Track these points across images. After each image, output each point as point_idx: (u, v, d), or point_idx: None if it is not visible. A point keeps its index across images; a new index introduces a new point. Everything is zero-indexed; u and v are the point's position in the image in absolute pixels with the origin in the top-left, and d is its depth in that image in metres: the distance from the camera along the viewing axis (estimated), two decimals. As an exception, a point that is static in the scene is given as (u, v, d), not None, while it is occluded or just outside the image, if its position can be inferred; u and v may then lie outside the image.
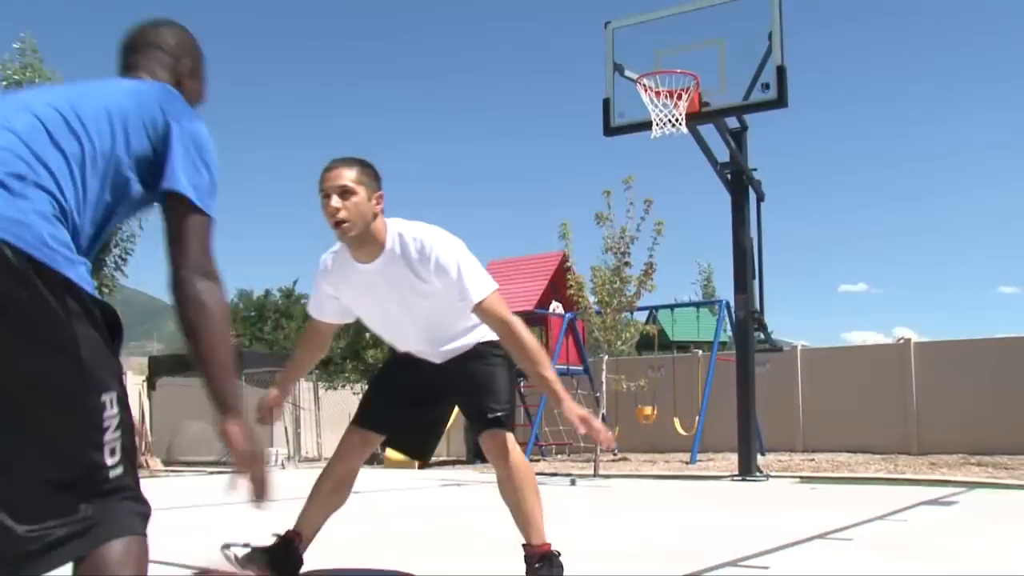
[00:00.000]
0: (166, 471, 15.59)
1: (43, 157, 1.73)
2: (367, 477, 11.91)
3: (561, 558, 3.46)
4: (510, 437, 3.51)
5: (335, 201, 3.26)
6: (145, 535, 1.75)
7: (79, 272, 1.68)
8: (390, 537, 5.34)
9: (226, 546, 3.55)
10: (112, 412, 1.70)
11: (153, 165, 1.89)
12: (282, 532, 3.64)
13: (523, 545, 3.45)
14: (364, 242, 3.34)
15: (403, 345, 3.67)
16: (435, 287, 3.35)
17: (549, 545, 3.45)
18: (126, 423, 1.74)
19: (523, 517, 3.47)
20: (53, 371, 1.64)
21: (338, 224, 3.27)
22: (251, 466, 1.94)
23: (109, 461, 1.69)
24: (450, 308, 3.42)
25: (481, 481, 10.45)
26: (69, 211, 1.75)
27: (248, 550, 3.54)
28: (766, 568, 4.03)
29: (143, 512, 1.76)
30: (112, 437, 1.70)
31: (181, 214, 1.87)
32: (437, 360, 3.62)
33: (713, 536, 5.29)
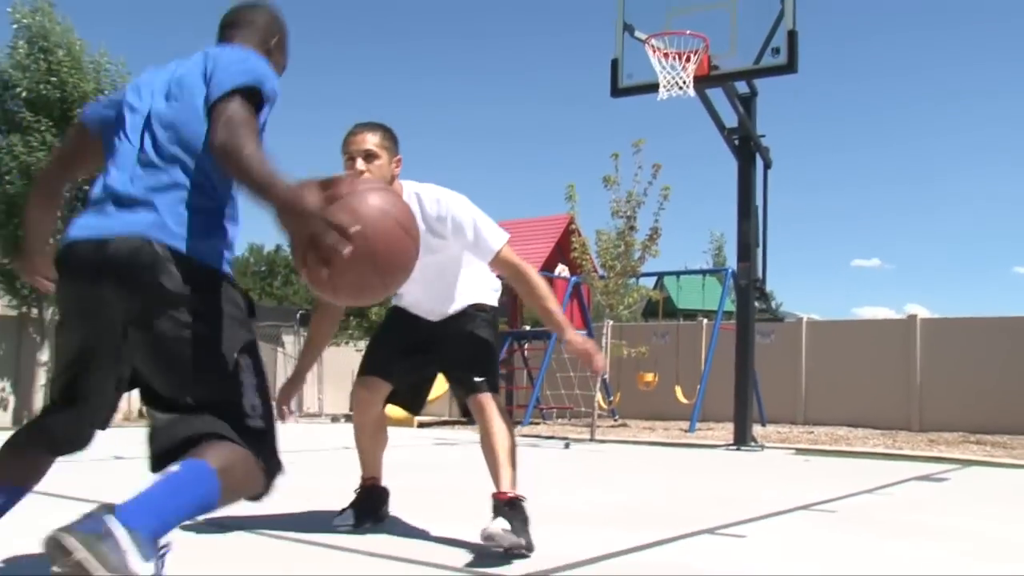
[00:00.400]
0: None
1: None
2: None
3: (527, 508, 3.49)
4: (493, 399, 3.68)
5: (360, 164, 3.44)
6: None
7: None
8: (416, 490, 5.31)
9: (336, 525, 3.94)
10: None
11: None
12: (360, 483, 4.05)
13: (492, 494, 3.50)
14: None
15: (408, 299, 3.88)
16: (448, 244, 3.58)
17: (518, 495, 3.50)
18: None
19: (495, 471, 3.55)
20: None
21: None
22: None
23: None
24: (453, 267, 3.74)
25: (474, 442, 10.45)
26: None
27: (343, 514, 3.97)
28: (742, 536, 3.98)
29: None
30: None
31: (222, 108, 2.25)
32: (434, 319, 3.85)
33: (695, 503, 5.24)
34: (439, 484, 6.02)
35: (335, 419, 17.25)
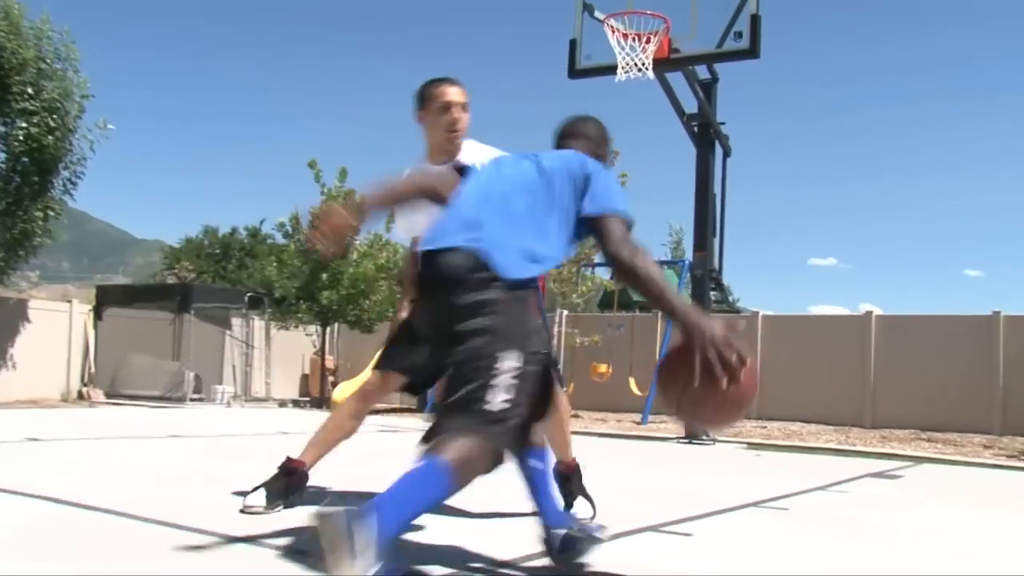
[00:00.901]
0: (107, 403, 15.21)
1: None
2: (308, 419, 11.62)
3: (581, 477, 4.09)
4: None
5: (459, 112, 3.75)
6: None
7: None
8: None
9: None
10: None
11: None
12: (287, 463, 3.80)
13: (556, 463, 3.84)
14: (457, 151, 3.77)
15: None
16: None
17: (574, 461, 4.07)
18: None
19: (554, 444, 3.69)
20: None
21: (456, 132, 3.77)
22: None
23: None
24: None
25: (419, 429, 10.15)
26: None
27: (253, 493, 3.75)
28: (688, 535, 3.73)
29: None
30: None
31: (607, 220, 2.75)
32: None
33: (641, 498, 5.00)
34: (367, 474, 5.72)
35: (283, 404, 16.88)
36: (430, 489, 2.35)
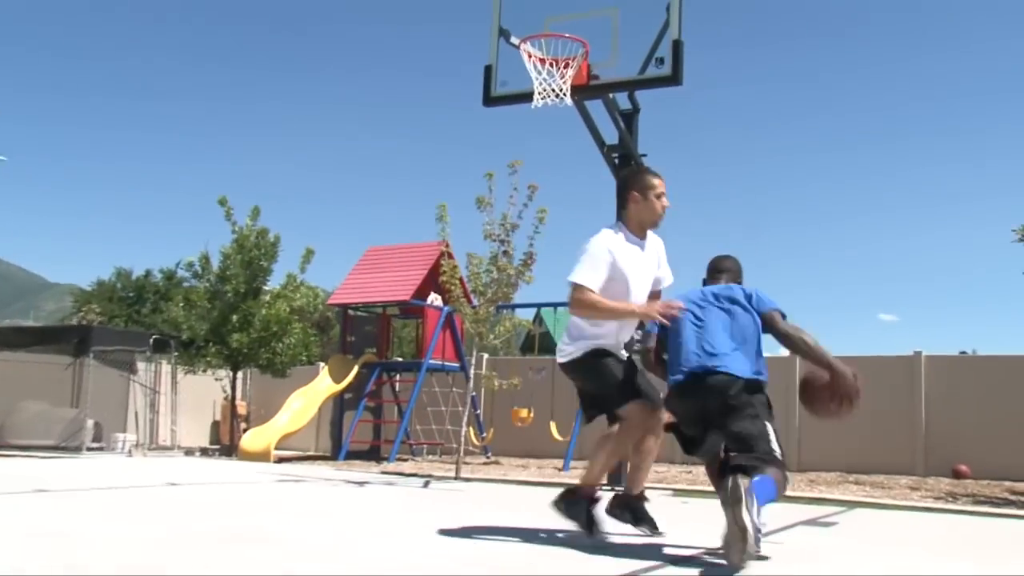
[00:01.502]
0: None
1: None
2: (208, 468, 10.82)
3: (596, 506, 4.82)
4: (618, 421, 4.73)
5: (666, 200, 4.76)
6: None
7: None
8: (148, 539, 4.39)
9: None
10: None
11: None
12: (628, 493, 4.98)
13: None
14: (655, 228, 4.84)
15: (614, 340, 4.76)
16: (659, 271, 4.88)
17: (594, 490, 4.84)
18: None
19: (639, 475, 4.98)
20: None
21: (663, 216, 4.76)
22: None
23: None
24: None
25: (325, 479, 9.53)
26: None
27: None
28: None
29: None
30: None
31: (772, 316, 4.58)
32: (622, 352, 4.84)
33: (550, 555, 4.42)
34: (246, 528, 5.10)
35: (189, 452, 16.01)
36: (772, 489, 4.08)
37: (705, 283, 4.91)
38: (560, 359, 4.81)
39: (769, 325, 4.56)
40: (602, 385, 4.66)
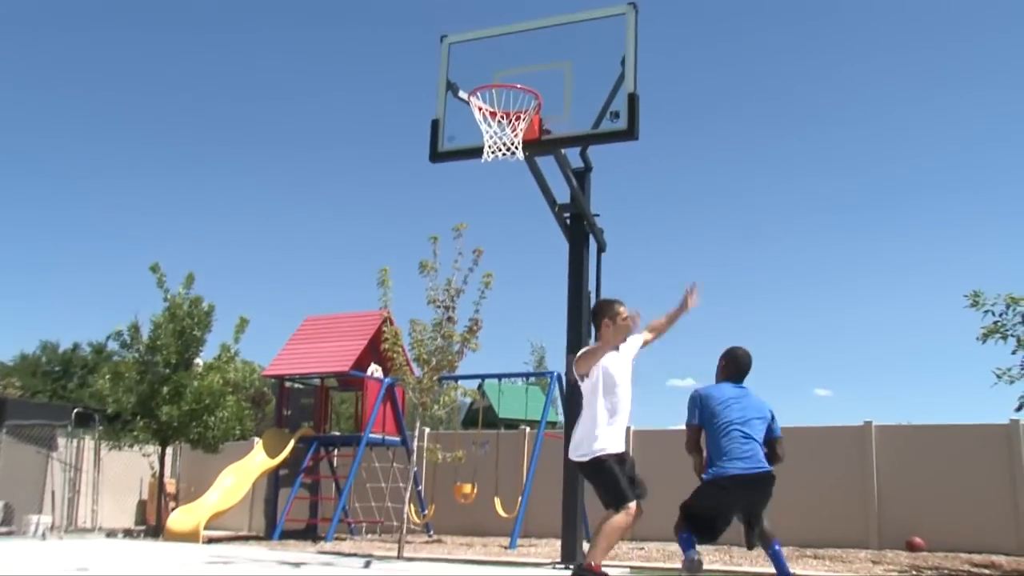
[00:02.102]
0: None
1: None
2: (129, 551, 10.05)
3: None
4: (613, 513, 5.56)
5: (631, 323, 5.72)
6: None
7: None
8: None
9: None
10: None
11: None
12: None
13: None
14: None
15: (622, 422, 5.82)
16: (632, 351, 6.15)
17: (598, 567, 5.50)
18: None
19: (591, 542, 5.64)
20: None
21: (627, 336, 5.84)
22: None
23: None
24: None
25: (257, 560, 8.87)
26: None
27: None
28: None
29: None
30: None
31: (778, 441, 6.55)
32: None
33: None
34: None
35: (111, 534, 15.08)
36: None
37: (735, 377, 6.44)
38: (573, 457, 5.84)
39: (772, 447, 6.38)
40: (610, 486, 5.61)
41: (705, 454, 6.21)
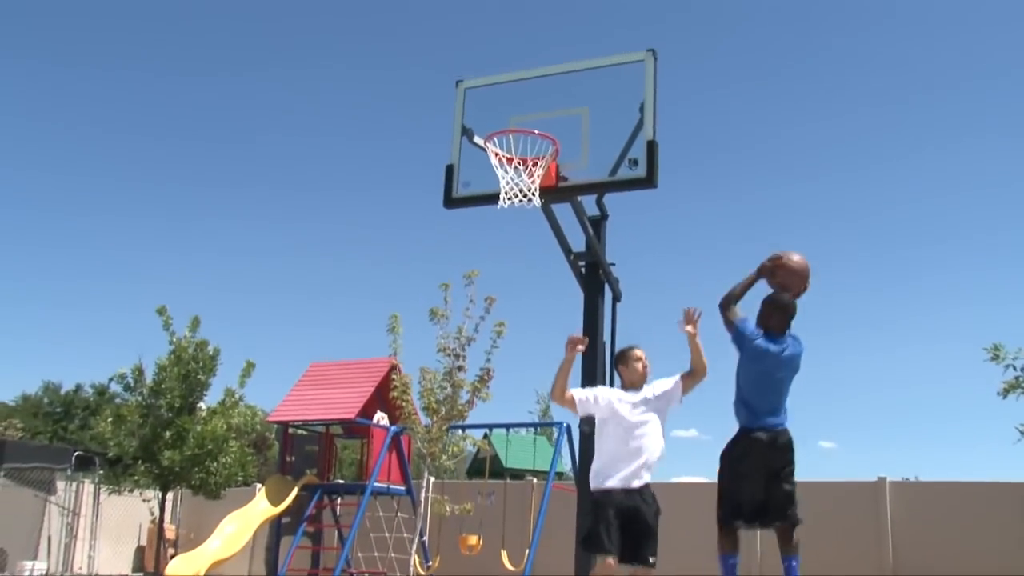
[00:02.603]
0: None
1: None
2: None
3: None
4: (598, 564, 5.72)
5: (645, 364, 6.19)
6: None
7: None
8: None
9: None
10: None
11: None
12: None
13: None
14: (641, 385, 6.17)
15: (634, 463, 5.86)
16: (654, 398, 6.12)
17: None
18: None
19: None
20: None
21: (645, 377, 6.17)
22: None
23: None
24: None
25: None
26: None
27: None
28: None
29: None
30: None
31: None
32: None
33: None
34: None
35: (108, 582, 14.82)
36: None
37: (783, 323, 6.61)
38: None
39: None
40: (587, 530, 5.73)
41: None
